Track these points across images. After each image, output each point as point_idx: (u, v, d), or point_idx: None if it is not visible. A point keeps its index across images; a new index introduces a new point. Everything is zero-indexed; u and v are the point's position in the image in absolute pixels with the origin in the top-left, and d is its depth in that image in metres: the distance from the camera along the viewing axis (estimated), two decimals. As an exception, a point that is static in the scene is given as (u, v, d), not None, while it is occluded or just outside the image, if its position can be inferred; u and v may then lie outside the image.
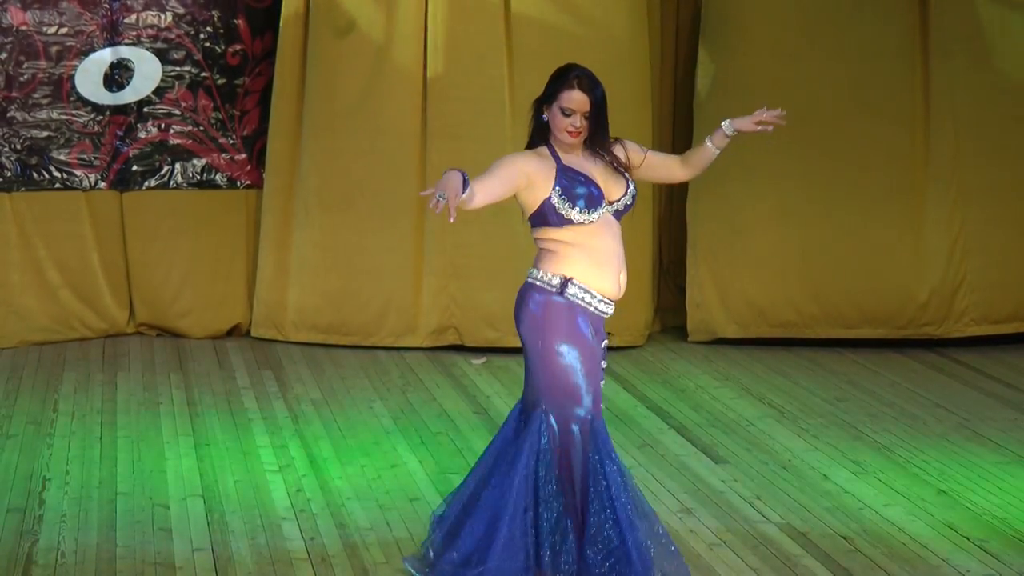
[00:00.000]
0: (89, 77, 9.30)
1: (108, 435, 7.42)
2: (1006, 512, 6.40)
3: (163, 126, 9.46)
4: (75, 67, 9.28)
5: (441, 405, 8.05)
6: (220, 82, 9.48)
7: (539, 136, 5.23)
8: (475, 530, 5.15)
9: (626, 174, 5.25)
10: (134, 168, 9.46)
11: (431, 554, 5.33)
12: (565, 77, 5.22)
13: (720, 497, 6.61)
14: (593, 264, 5.14)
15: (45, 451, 7.14)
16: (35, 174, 9.34)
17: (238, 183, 9.60)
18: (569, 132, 5.16)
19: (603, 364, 5.25)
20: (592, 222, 5.11)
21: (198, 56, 9.43)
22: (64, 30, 9.26)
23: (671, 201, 9.90)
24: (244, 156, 9.58)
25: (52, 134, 9.33)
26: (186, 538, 6.01)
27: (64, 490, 6.58)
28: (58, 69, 9.27)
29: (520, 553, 5.08)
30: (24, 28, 9.21)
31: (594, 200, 5.11)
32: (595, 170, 5.20)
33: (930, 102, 9.28)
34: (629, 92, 9.25)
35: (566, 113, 5.17)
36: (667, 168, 5.43)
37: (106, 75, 9.33)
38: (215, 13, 9.43)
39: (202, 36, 9.43)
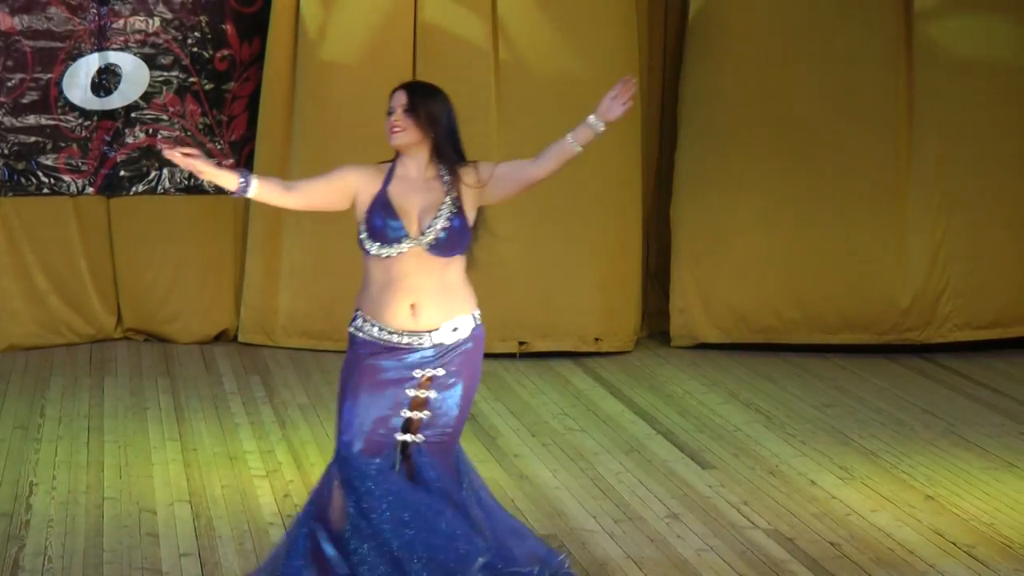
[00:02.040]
0: (77, 82, 9.29)
1: (95, 440, 7.40)
2: (993, 518, 6.41)
3: (151, 131, 9.45)
4: (63, 72, 9.27)
5: (429, 410, 8.04)
6: (208, 87, 9.48)
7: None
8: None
9: (450, 203, 5.09)
10: (122, 173, 9.46)
11: None
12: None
13: (707, 503, 6.61)
14: (378, 296, 5.06)
15: (32, 456, 7.13)
16: (23, 179, 9.33)
17: (226, 189, 9.58)
18: (390, 130, 5.08)
19: (430, 394, 5.10)
20: (391, 256, 5.03)
21: (186, 61, 9.43)
22: (52, 35, 9.25)
23: (658, 208, 9.92)
24: (232, 161, 9.57)
25: (40, 139, 9.31)
26: (173, 543, 6.00)
27: (51, 495, 6.57)
28: (46, 74, 9.26)
29: (294, 561, 5.09)
30: (11, 33, 9.20)
31: (395, 236, 5.02)
32: (416, 198, 5.08)
33: (913, 109, 9.31)
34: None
35: (388, 112, 5.11)
36: (519, 173, 5.20)
37: (94, 80, 9.32)
38: (203, 18, 9.43)
39: (190, 41, 9.42)
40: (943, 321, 9.36)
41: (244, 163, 9.57)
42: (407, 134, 5.08)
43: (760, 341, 9.42)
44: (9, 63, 9.22)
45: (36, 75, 9.25)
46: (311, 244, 9.31)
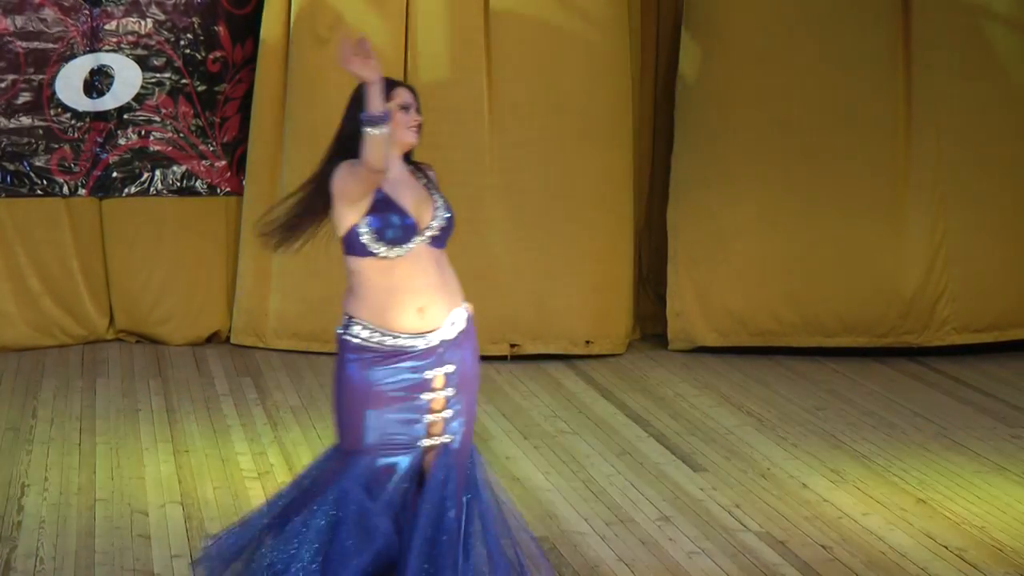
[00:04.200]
0: (69, 84, 9.28)
1: (87, 441, 7.40)
2: (984, 521, 6.42)
3: (143, 133, 9.44)
4: (55, 73, 9.26)
5: (421, 413, 8.04)
6: (200, 89, 9.47)
7: (351, 156, 4.87)
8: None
9: (436, 194, 4.99)
10: (114, 175, 9.45)
11: None
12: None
13: (699, 505, 6.61)
14: (384, 301, 4.86)
15: (24, 457, 7.12)
16: (15, 181, 9.32)
17: (218, 190, 9.59)
18: (413, 128, 4.96)
19: (446, 392, 4.97)
20: (400, 256, 4.85)
21: (178, 63, 9.42)
22: (45, 36, 9.24)
23: (651, 211, 9.92)
24: (224, 163, 9.57)
25: (32, 140, 9.31)
26: (164, 545, 6.00)
27: (43, 496, 6.56)
28: (38, 75, 9.25)
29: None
30: (4, 34, 9.19)
31: (406, 233, 4.84)
32: (408, 193, 4.92)
33: (912, 110, 9.31)
34: (610, 100, 9.27)
35: (406, 108, 4.95)
36: None
37: (86, 82, 9.31)
38: (196, 20, 9.42)
39: (183, 43, 9.42)
40: (941, 324, 9.35)
41: (236, 165, 9.57)
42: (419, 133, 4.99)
43: (758, 344, 9.40)
44: (1, 64, 9.20)
45: (28, 76, 9.24)
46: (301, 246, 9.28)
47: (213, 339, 9.57)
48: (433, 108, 9.13)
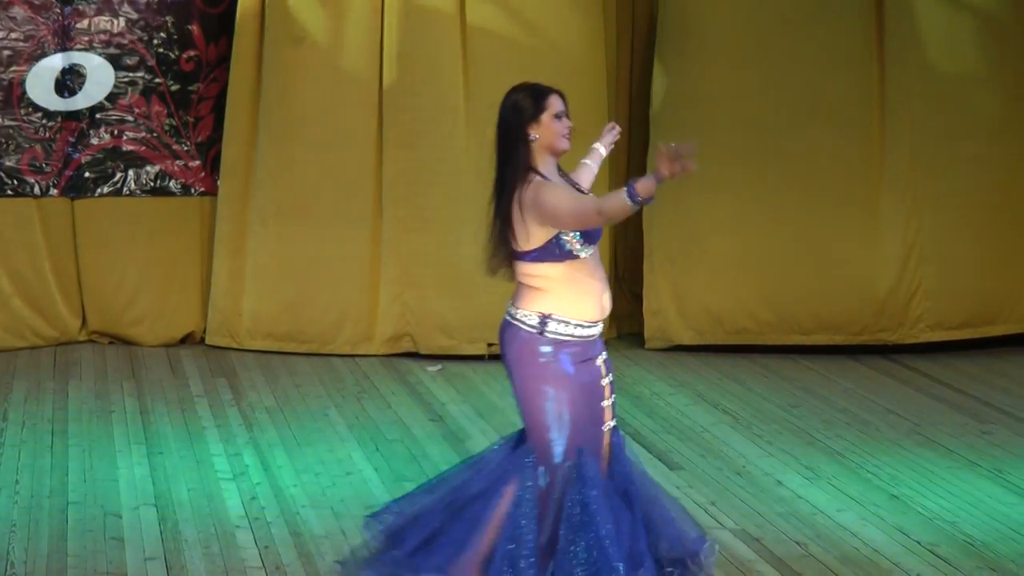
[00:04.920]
0: (40, 83, 9.24)
1: (59, 444, 7.37)
2: (956, 516, 6.44)
3: (116, 132, 9.41)
4: (26, 72, 9.22)
5: (396, 412, 8.04)
6: (174, 88, 9.44)
7: (523, 168, 5.07)
8: (444, 535, 5.05)
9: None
10: (86, 175, 9.41)
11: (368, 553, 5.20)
12: (535, 89, 5.17)
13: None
14: (576, 295, 5.03)
15: (-4, 460, 7.10)
16: (-14, 181, 9.28)
17: (192, 190, 9.56)
18: (565, 135, 5.09)
19: (609, 378, 5.12)
20: (587, 255, 5.02)
21: (151, 62, 9.39)
22: (15, 35, 9.20)
23: (627, 210, 9.91)
24: (198, 163, 9.54)
25: (2, 140, 9.26)
26: (139, 547, 5.98)
27: (14, 499, 6.53)
28: (8, 75, 9.21)
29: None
30: (-25, 34, 9.15)
31: (598, 234, 5.06)
32: None
33: (885, 111, 9.33)
34: (584, 101, 9.24)
35: (559, 116, 5.09)
36: None
37: (58, 81, 9.28)
38: (169, 19, 9.39)
39: (156, 42, 9.39)
40: (915, 322, 9.38)
41: (210, 165, 9.54)
42: None
43: (734, 343, 9.42)
44: (-28, 64, 9.17)
45: None
46: (275, 246, 9.28)
47: (187, 340, 9.55)
48: (409, 107, 9.18)
